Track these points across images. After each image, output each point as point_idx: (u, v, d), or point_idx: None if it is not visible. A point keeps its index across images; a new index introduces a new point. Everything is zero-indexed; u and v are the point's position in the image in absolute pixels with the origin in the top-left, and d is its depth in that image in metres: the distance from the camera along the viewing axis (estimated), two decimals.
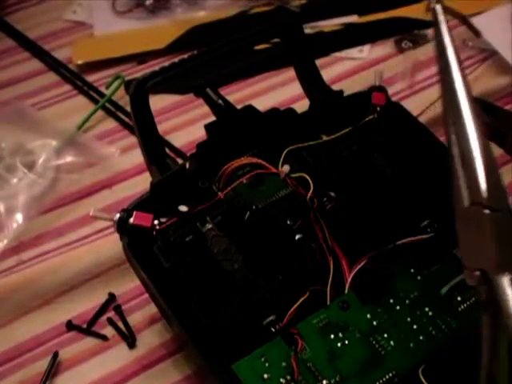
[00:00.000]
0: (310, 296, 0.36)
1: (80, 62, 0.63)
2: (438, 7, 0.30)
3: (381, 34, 0.64)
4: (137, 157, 0.46)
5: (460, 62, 0.28)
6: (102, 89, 0.60)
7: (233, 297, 0.36)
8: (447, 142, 0.27)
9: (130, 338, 0.42)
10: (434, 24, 0.30)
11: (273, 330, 0.35)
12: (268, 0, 0.68)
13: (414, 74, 0.54)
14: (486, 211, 0.25)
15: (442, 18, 0.30)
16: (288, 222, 0.38)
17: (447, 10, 0.30)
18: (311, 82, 0.46)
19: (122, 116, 0.58)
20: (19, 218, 0.49)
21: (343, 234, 0.38)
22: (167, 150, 0.45)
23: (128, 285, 0.44)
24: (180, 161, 0.43)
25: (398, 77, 0.58)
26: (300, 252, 0.38)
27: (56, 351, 0.41)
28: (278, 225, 0.38)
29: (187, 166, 0.41)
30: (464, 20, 0.31)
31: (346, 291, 0.37)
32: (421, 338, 0.35)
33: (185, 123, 0.57)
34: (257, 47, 0.57)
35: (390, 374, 0.34)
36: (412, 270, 0.38)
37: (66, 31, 0.67)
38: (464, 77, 0.28)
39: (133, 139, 0.54)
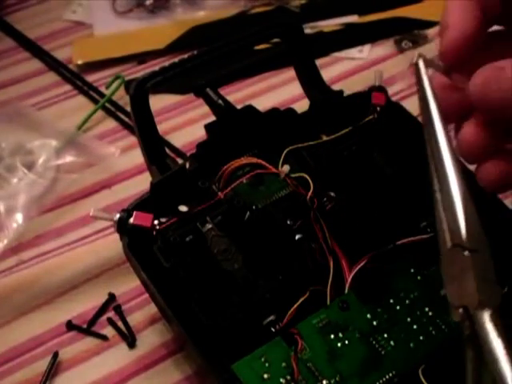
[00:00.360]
0: (310, 296, 0.36)
1: (80, 62, 0.63)
2: (421, 62, 0.31)
3: (381, 34, 0.64)
4: (137, 157, 0.46)
5: (442, 116, 0.29)
6: (102, 89, 0.60)
7: (233, 297, 0.36)
8: (431, 189, 0.28)
9: (129, 338, 0.42)
10: (417, 79, 0.31)
11: (273, 329, 0.35)
12: (268, 0, 0.68)
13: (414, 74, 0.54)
14: (466, 252, 0.27)
15: (424, 72, 0.31)
16: (288, 222, 0.38)
17: (430, 64, 0.31)
18: (311, 81, 0.46)
19: (122, 116, 0.58)
20: (19, 218, 0.49)
21: (343, 234, 0.38)
22: (167, 150, 0.45)
23: (128, 285, 0.44)
24: (180, 161, 0.43)
25: (398, 77, 0.58)
26: (300, 252, 0.38)
27: (56, 351, 0.41)
28: (278, 225, 0.38)
29: (187, 166, 0.41)
30: (447, 72, 0.32)
31: (346, 291, 0.37)
32: (421, 338, 0.35)
33: (185, 123, 0.57)
34: (257, 47, 0.57)
35: (390, 374, 0.34)
36: (412, 270, 0.38)
37: (65, 31, 0.67)
38: (446, 129, 0.29)
39: (133, 139, 0.54)
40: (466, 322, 0.26)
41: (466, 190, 0.28)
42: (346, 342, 0.35)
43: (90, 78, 0.62)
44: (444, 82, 0.32)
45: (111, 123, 0.57)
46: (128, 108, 0.54)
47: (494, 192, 0.31)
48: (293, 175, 0.40)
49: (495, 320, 0.25)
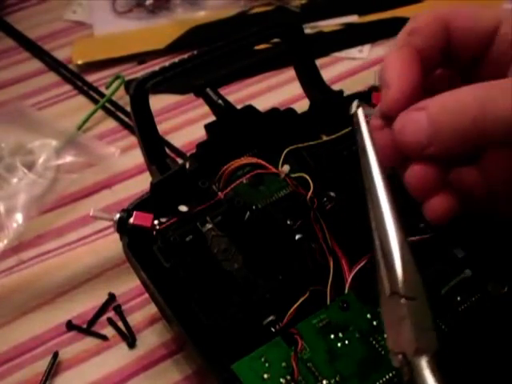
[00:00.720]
0: (310, 296, 0.36)
1: (80, 62, 0.63)
2: (360, 111, 0.32)
3: (381, 34, 0.64)
4: (137, 157, 0.46)
5: (380, 162, 0.30)
6: (102, 89, 0.60)
7: (233, 297, 0.36)
8: (370, 236, 0.29)
9: (130, 338, 0.42)
10: (356, 128, 0.31)
11: (273, 330, 0.35)
12: (268, 0, 0.68)
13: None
14: (403, 300, 0.27)
15: (363, 120, 0.31)
16: (288, 222, 0.38)
17: (370, 112, 0.32)
18: (311, 82, 0.46)
19: (122, 116, 0.58)
20: (19, 218, 0.49)
21: (343, 234, 0.38)
22: (167, 150, 0.45)
23: (128, 285, 0.44)
24: (180, 161, 0.43)
25: None
26: (300, 252, 0.38)
27: (56, 351, 0.41)
28: (278, 225, 0.38)
29: (187, 166, 0.41)
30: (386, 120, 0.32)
31: (346, 291, 0.37)
32: None
33: (185, 123, 0.57)
34: (257, 47, 0.57)
35: (390, 374, 0.34)
36: None
37: (66, 31, 0.67)
38: (385, 179, 0.30)
39: (133, 139, 0.54)
40: (404, 367, 0.27)
41: (403, 237, 0.28)
42: (346, 342, 0.35)
43: (90, 78, 0.62)
44: (381, 124, 0.31)
45: (111, 123, 0.57)
46: (128, 108, 0.54)
47: (439, 224, 0.31)
48: (293, 175, 0.40)
49: (432, 367, 0.26)
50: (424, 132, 0.28)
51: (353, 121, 0.32)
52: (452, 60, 0.33)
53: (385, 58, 0.32)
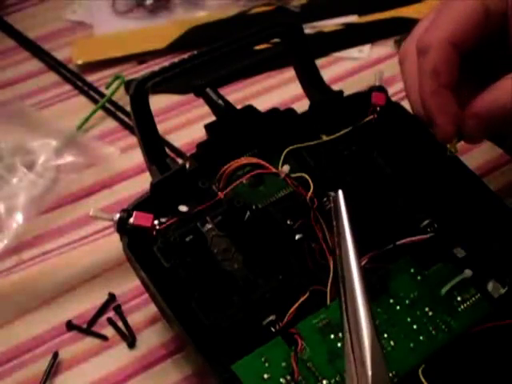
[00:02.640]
0: (310, 296, 0.36)
1: (80, 62, 0.63)
2: (340, 194, 0.34)
3: (381, 34, 0.64)
4: (137, 157, 0.46)
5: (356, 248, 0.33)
6: (102, 89, 0.60)
7: (233, 297, 0.36)
8: (342, 328, 0.31)
9: (130, 338, 0.42)
10: (335, 214, 0.34)
11: (273, 329, 0.35)
12: (268, 0, 0.68)
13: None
14: None
15: (343, 204, 0.34)
16: (288, 222, 0.38)
17: None
18: (311, 82, 0.46)
19: (122, 116, 0.58)
20: (19, 218, 0.49)
21: None
22: (167, 150, 0.45)
23: (128, 285, 0.44)
24: (180, 161, 0.43)
25: (398, 77, 0.58)
26: (300, 252, 0.38)
27: (56, 351, 0.41)
28: (278, 225, 0.38)
29: (187, 166, 0.41)
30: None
31: None
32: (421, 338, 0.35)
33: (185, 123, 0.57)
34: (257, 47, 0.57)
35: (390, 374, 0.34)
36: (412, 270, 0.38)
37: (65, 31, 0.67)
38: (360, 265, 0.32)
39: (133, 139, 0.54)
40: None
41: (374, 333, 0.30)
42: None
43: (90, 78, 0.62)
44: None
45: (111, 123, 0.57)
46: (128, 108, 0.54)
47: None
48: (293, 175, 0.40)
49: None
50: (477, 127, 0.37)
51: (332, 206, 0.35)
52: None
53: (424, 102, 0.38)
